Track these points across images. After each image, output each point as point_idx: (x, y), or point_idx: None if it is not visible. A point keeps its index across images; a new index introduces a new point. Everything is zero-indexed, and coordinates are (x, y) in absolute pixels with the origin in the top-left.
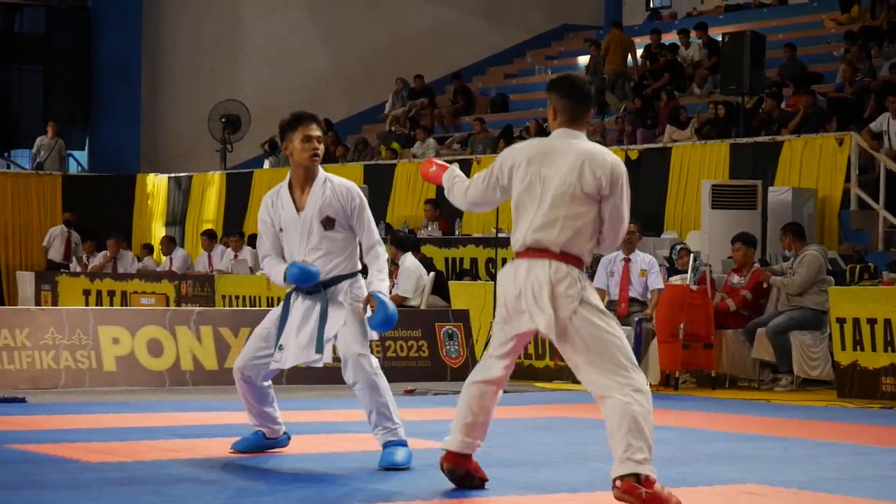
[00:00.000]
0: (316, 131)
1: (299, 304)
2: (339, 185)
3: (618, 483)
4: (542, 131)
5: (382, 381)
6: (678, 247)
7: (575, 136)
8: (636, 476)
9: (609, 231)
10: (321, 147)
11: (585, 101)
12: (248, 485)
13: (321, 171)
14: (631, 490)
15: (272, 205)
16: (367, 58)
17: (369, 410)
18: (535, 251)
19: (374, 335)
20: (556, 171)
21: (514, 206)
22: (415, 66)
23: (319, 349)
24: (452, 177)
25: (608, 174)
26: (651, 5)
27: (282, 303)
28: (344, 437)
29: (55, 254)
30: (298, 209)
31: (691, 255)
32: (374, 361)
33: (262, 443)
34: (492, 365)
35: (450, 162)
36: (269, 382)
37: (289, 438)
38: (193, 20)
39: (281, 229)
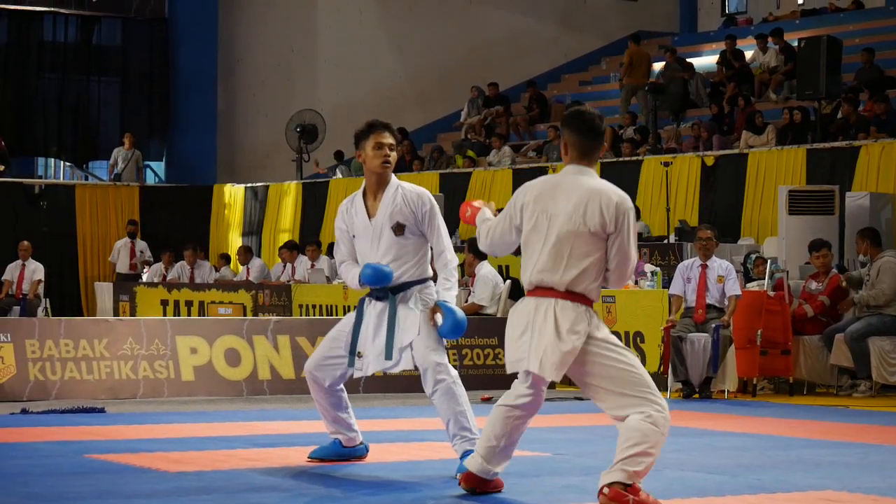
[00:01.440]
0: (388, 139)
1: (372, 310)
2: (410, 191)
3: (605, 490)
4: (617, 138)
5: (460, 389)
6: (753, 256)
7: (584, 172)
8: (623, 485)
9: (615, 269)
10: (393, 154)
11: (595, 137)
12: (325, 492)
13: (394, 179)
14: (618, 497)
15: (347, 212)
16: (442, 66)
17: (447, 419)
18: (541, 290)
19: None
20: (561, 208)
21: (522, 244)
22: (490, 74)
23: (389, 356)
24: (482, 220)
25: (613, 212)
26: (727, 11)
27: (356, 308)
28: (421, 446)
29: (122, 266)
30: (370, 216)
31: (767, 262)
32: (453, 371)
33: (340, 451)
34: (517, 391)
35: (526, 170)
36: (342, 387)
37: (367, 450)
38: (269, 30)
39: (354, 236)
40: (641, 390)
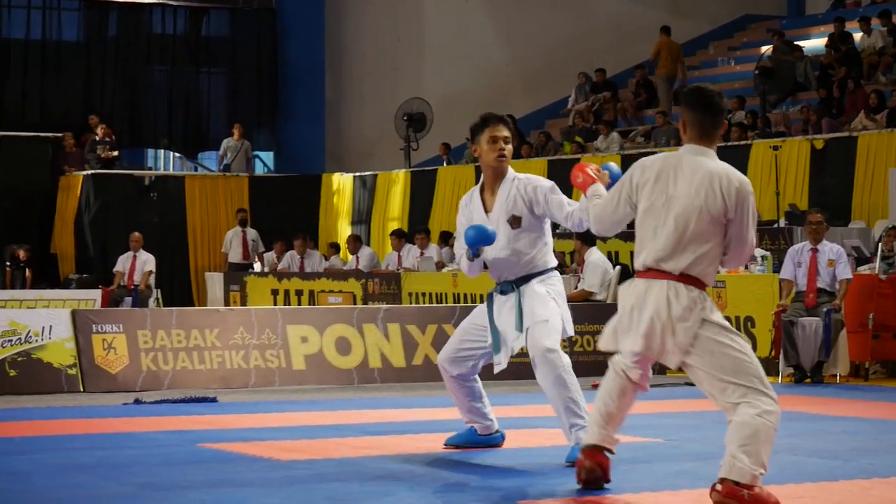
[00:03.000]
0: (503, 132)
1: (500, 303)
2: (525, 181)
3: (718, 486)
4: (727, 123)
5: (571, 377)
6: (883, 231)
7: (704, 153)
8: (736, 482)
9: (732, 254)
10: (508, 147)
11: (716, 116)
12: (438, 478)
13: (511, 172)
14: (732, 493)
15: (466, 206)
16: (549, 53)
17: (557, 407)
18: (655, 272)
19: (569, 331)
20: (682, 190)
21: (637, 224)
22: (597, 59)
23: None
24: (593, 194)
25: (734, 196)
26: None
27: (485, 301)
28: (533, 433)
29: (235, 256)
30: (487, 211)
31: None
32: (565, 359)
33: (475, 439)
34: (627, 365)
35: (634, 156)
36: (476, 377)
37: (503, 438)
38: (376, 19)
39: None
40: (753, 380)
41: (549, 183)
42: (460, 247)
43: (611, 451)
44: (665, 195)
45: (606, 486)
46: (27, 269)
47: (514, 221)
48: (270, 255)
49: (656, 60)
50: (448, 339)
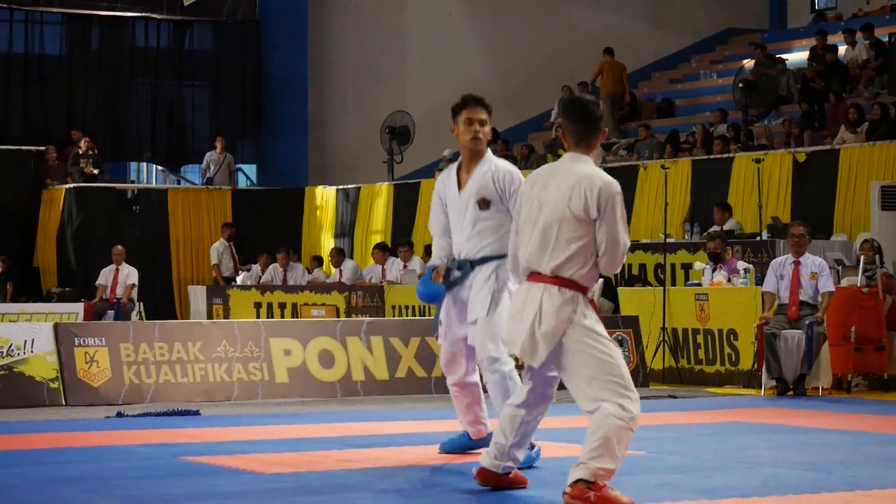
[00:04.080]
0: (479, 115)
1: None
2: (502, 168)
3: (568, 489)
4: (709, 136)
5: (513, 383)
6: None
7: (579, 159)
8: (586, 482)
9: (605, 254)
10: (484, 130)
11: (589, 124)
12: (419, 492)
13: (489, 155)
14: (580, 495)
15: (442, 182)
16: (531, 66)
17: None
18: (534, 275)
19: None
20: (550, 195)
21: (519, 231)
22: (579, 73)
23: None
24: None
25: (596, 195)
26: (816, 7)
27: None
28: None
29: (226, 269)
30: (461, 188)
31: (874, 244)
32: (508, 366)
33: (467, 443)
34: (523, 387)
35: (617, 169)
36: (476, 381)
37: None
38: (359, 32)
39: (447, 205)
40: (613, 380)
41: (521, 180)
42: (433, 224)
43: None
44: (538, 201)
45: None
46: (7, 283)
47: (483, 203)
48: (255, 269)
49: (597, 79)
50: (433, 354)
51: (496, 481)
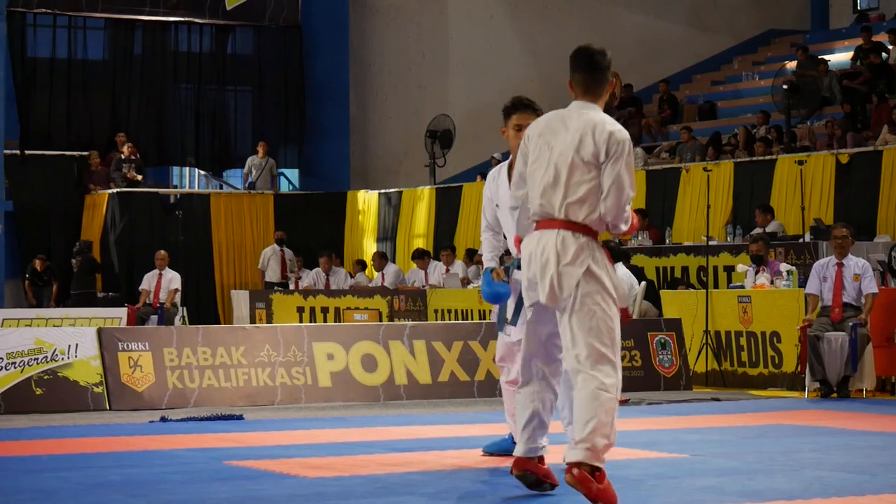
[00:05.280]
0: (528, 119)
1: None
2: None
3: (574, 471)
4: (751, 139)
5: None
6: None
7: (588, 107)
8: (591, 467)
9: (609, 197)
10: None
11: (595, 72)
12: (466, 493)
13: None
14: (584, 481)
15: (493, 181)
16: None
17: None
18: (545, 221)
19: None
20: (561, 139)
21: (528, 176)
22: (621, 75)
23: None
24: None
25: (606, 140)
26: (858, 7)
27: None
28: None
29: (272, 274)
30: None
31: None
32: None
33: (511, 446)
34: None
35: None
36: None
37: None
38: (400, 36)
39: (497, 206)
40: (605, 348)
41: None
42: (484, 222)
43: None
44: (548, 146)
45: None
46: (53, 283)
47: None
48: (316, 272)
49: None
50: (476, 357)
51: (535, 469)
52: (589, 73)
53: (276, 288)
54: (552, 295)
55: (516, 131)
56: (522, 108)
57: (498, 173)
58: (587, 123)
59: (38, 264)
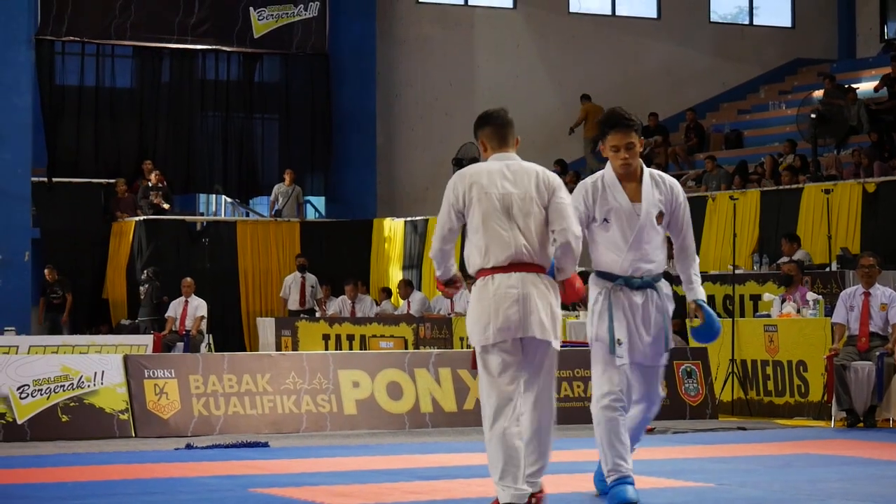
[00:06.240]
0: (625, 139)
1: (624, 299)
2: (666, 181)
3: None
4: (777, 166)
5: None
6: None
7: (514, 157)
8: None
9: (556, 223)
10: (632, 152)
11: (508, 127)
12: None
13: (644, 168)
14: None
15: (598, 191)
16: (600, 97)
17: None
18: (514, 266)
19: None
20: (512, 187)
21: (482, 228)
22: (648, 104)
23: (667, 346)
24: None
25: (551, 183)
26: (886, 36)
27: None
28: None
29: (292, 303)
30: (633, 200)
31: None
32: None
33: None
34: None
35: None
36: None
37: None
38: (427, 65)
39: (605, 220)
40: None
41: (684, 194)
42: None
43: None
44: (499, 194)
45: None
46: (66, 295)
47: (660, 217)
48: (342, 299)
49: (583, 123)
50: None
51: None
52: (502, 127)
53: (301, 315)
54: (540, 327)
55: (614, 153)
56: (618, 128)
57: (601, 184)
58: (532, 170)
59: (47, 274)
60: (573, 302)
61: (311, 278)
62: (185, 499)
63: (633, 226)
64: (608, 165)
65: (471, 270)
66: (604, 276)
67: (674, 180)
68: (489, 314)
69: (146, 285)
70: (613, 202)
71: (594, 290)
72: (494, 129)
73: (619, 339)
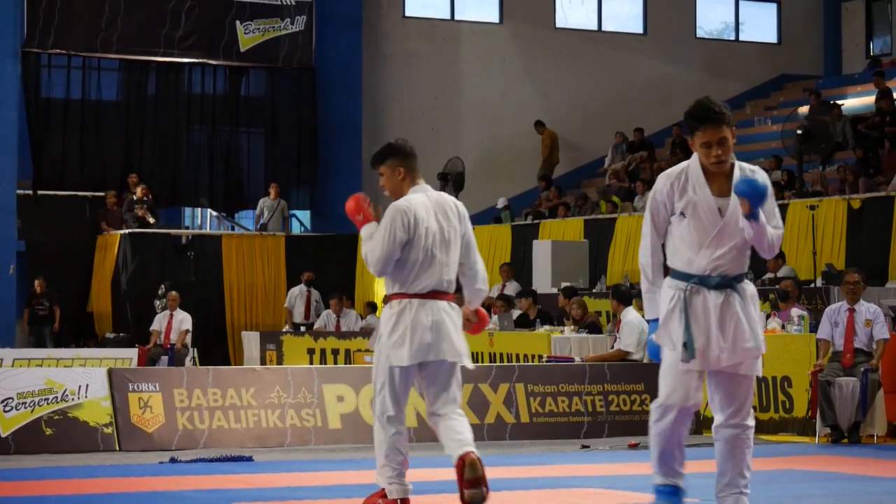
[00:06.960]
0: (717, 135)
1: (702, 300)
2: (757, 174)
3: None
4: None
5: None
6: None
7: (426, 189)
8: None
9: (469, 256)
10: (725, 147)
11: (412, 155)
12: None
13: (735, 161)
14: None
15: (682, 185)
16: (586, 113)
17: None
18: (433, 294)
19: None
20: (443, 220)
21: (428, 256)
22: (634, 119)
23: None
24: (368, 235)
25: (462, 212)
26: (871, 53)
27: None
28: (569, 492)
29: (298, 315)
30: (716, 195)
31: None
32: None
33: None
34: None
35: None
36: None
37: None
38: (413, 79)
39: (682, 213)
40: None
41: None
42: (652, 241)
43: None
44: (437, 226)
45: None
46: (53, 307)
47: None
48: (325, 315)
49: (548, 153)
50: (486, 400)
51: None
52: (414, 158)
53: (285, 330)
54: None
55: (705, 149)
56: (708, 123)
57: (686, 176)
58: (451, 202)
59: (37, 286)
60: (481, 332)
61: (316, 294)
62: None
63: (715, 222)
64: (694, 156)
65: (390, 290)
66: (678, 276)
67: (764, 173)
68: (406, 338)
69: (163, 300)
70: (693, 195)
71: (668, 291)
72: (413, 161)
73: (685, 343)
